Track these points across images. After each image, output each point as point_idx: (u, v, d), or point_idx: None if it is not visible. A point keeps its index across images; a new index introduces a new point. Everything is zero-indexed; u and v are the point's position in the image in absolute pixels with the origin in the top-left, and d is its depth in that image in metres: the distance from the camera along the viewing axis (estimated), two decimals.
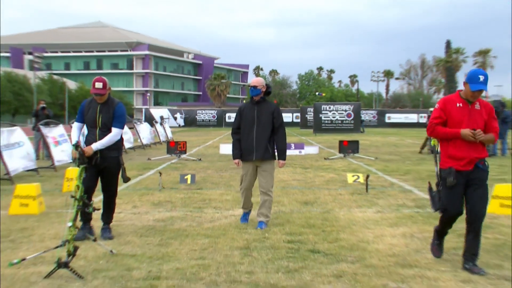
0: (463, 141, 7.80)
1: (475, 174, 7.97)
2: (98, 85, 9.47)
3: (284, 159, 10.88)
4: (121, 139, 10.19)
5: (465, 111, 7.87)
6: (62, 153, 21.54)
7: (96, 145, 9.36)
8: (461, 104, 7.89)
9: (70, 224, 7.85)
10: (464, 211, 8.00)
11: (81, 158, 8.68)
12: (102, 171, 9.81)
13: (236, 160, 10.80)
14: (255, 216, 10.83)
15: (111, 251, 8.67)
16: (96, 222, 10.10)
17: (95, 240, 8.84)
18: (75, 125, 9.87)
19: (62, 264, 7.41)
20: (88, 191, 9.24)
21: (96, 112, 9.66)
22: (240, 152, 10.70)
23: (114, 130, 9.70)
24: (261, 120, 10.47)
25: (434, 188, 8.33)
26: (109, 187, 10.11)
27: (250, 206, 11.29)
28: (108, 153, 9.67)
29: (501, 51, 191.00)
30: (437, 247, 8.50)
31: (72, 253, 7.76)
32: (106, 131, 9.62)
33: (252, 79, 11.04)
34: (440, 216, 8.37)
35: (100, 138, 9.52)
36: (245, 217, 11.19)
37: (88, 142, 9.60)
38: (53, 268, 7.42)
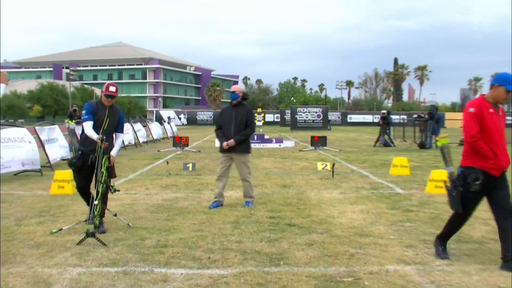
0: (498, 148, 6.52)
1: (500, 179, 6.64)
2: (112, 88, 8.58)
3: (236, 140, 10.20)
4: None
5: (495, 118, 6.55)
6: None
7: (114, 152, 8.66)
8: (491, 110, 6.53)
9: (96, 202, 7.81)
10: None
11: (106, 150, 8.19)
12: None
13: (224, 143, 10.40)
14: (241, 198, 10.79)
15: (128, 224, 8.63)
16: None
17: (115, 215, 8.78)
18: (89, 123, 8.38)
19: (90, 234, 7.39)
20: (83, 189, 8.61)
21: (105, 114, 8.58)
22: (225, 140, 10.40)
23: (120, 135, 9.05)
24: (238, 120, 10.30)
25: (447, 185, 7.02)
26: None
27: (220, 196, 10.56)
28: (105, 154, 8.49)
29: (435, 67, 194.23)
30: (443, 251, 7.02)
31: (97, 226, 7.84)
32: (108, 133, 8.55)
33: (232, 86, 10.96)
34: (453, 218, 7.10)
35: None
36: (214, 204, 10.43)
37: (87, 140, 8.42)
38: (83, 237, 7.44)
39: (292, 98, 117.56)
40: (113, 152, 8.59)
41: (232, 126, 10.32)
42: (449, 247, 7.39)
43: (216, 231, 8.35)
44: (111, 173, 8.41)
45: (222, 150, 10.51)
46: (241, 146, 10.37)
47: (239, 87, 10.72)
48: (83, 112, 8.49)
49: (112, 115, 8.67)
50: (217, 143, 29.51)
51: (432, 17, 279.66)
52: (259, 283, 5.81)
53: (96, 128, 8.40)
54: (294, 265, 6.55)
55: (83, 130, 8.50)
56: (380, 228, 8.62)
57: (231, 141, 10.20)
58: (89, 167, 8.39)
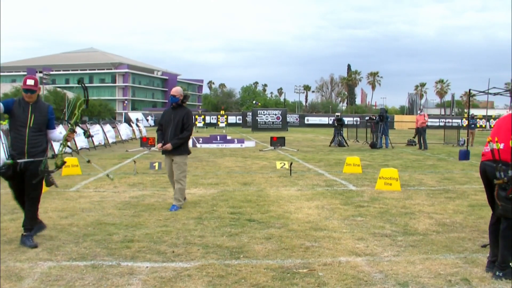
0: None
1: None
2: (30, 81, 7.16)
3: (172, 144, 9.81)
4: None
5: None
6: (58, 145, 21.10)
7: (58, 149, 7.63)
8: None
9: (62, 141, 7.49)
10: None
11: (38, 155, 7.17)
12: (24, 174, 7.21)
13: (159, 145, 10.11)
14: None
15: (88, 160, 8.35)
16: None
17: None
18: None
19: (47, 171, 7.21)
20: (22, 196, 7.36)
21: (28, 111, 7.15)
22: (162, 141, 10.04)
23: (54, 131, 7.64)
24: (175, 122, 9.94)
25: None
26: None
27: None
28: (36, 156, 7.23)
29: (385, 73, 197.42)
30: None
31: (59, 166, 7.48)
32: (37, 131, 7.21)
33: (172, 89, 10.33)
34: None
35: (31, 138, 7.14)
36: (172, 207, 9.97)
37: (17, 140, 7.08)
38: (40, 174, 7.15)
39: (254, 102, 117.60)
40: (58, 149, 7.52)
41: (170, 128, 9.97)
42: (396, 239, 7.50)
43: (180, 226, 8.31)
44: (48, 180, 7.39)
45: (163, 151, 10.21)
46: (179, 149, 9.98)
47: (179, 90, 10.29)
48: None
49: (37, 111, 7.26)
50: None
51: (383, 27, 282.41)
52: (220, 275, 5.80)
53: (22, 127, 7.09)
54: (253, 258, 6.55)
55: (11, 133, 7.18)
56: (334, 222, 8.68)
57: (168, 146, 9.86)
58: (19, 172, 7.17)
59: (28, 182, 7.20)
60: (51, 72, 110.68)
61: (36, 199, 7.43)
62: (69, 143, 7.66)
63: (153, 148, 25.36)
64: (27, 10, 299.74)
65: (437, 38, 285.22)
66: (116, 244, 7.17)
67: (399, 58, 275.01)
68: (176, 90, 10.17)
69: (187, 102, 10.29)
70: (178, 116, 9.99)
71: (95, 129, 28.19)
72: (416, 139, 29.65)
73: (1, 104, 6.99)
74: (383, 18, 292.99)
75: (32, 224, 7.33)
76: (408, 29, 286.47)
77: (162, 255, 6.67)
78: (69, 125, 7.52)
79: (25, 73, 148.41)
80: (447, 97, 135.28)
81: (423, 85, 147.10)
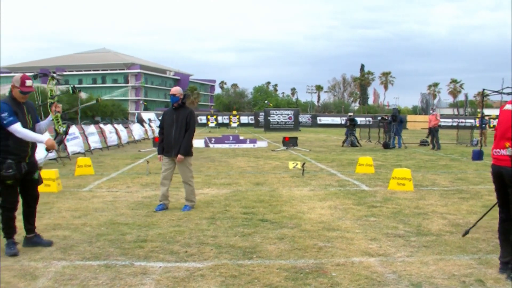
0: None
1: None
2: (29, 82, 6.89)
3: (182, 154, 9.67)
4: None
5: None
6: (74, 146, 21.22)
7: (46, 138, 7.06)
8: None
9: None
10: None
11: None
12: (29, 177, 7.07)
13: (159, 156, 10.06)
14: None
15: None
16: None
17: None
18: (19, 125, 6.69)
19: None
20: (16, 203, 6.98)
21: (25, 113, 6.92)
22: (162, 149, 9.94)
23: (41, 123, 7.36)
24: (179, 122, 9.71)
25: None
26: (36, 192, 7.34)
27: (164, 199, 9.91)
28: (34, 154, 7.28)
29: (398, 73, 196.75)
30: None
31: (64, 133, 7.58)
32: (32, 129, 6.98)
33: (172, 88, 10.09)
34: None
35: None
36: (159, 207, 9.81)
37: (21, 143, 6.80)
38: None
39: (266, 101, 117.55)
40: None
41: (173, 129, 9.76)
42: (410, 240, 7.47)
43: (193, 226, 8.32)
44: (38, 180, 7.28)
45: (162, 152, 9.98)
46: (183, 150, 9.75)
47: (179, 89, 10.08)
48: (4, 114, 6.62)
49: (31, 111, 7.10)
50: (195, 144, 29.49)
51: (395, 27, 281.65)
52: (233, 275, 5.80)
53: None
54: (266, 258, 6.55)
55: (6, 137, 6.70)
56: (347, 222, 8.66)
57: (180, 158, 9.66)
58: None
59: (31, 184, 7.13)
60: (64, 73, 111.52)
61: (38, 197, 7.33)
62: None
63: None
64: (39, 11, 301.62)
65: (450, 38, 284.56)
66: (129, 244, 7.19)
67: (411, 58, 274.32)
68: (176, 89, 10.01)
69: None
70: (181, 116, 9.80)
71: (109, 129, 28.34)
72: (429, 139, 29.52)
73: (17, 119, 6.70)
74: (395, 17, 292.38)
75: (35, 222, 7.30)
76: (420, 29, 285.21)
77: (175, 255, 6.68)
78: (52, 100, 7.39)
79: (38, 73, 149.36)
80: (461, 97, 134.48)
81: (436, 85, 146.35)
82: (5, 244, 6.84)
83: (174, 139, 9.72)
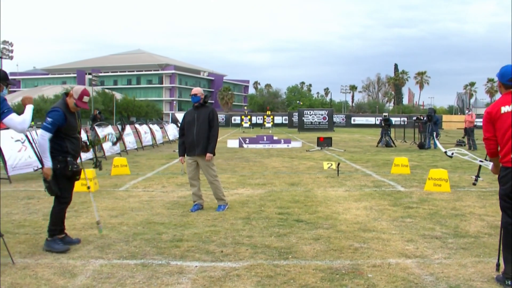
0: None
1: None
2: (86, 99, 7.12)
3: (210, 152, 9.61)
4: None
5: None
6: (112, 147, 21.48)
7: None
8: None
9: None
10: None
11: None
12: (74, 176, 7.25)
13: (180, 158, 10.08)
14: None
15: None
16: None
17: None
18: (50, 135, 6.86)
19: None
20: (70, 198, 7.32)
21: (75, 118, 7.14)
22: (183, 151, 9.88)
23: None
24: (200, 122, 9.55)
25: None
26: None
27: (198, 198, 9.95)
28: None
29: (433, 72, 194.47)
30: None
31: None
32: (79, 133, 7.40)
33: (193, 89, 9.95)
34: None
35: (80, 142, 7.36)
36: (195, 207, 9.84)
37: (75, 146, 7.14)
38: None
39: (298, 102, 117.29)
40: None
41: (194, 128, 9.61)
42: (447, 241, 7.38)
43: (228, 226, 8.35)
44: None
45: (183, 154, 9.95)
46: (205, 148, 9.62)
47: (200, 89, 9.93)
48: (50, 120, 6.86)
49: (79, 116, 7.42)
50: (229, 144, 29.64)
51: (431, 26, 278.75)
52: (269, 276, 5.80)
53: (74, 133, 7.15)
54: (302, 258, 6.54)
55: (63, 139, 6.99)
56: (383, 223, 8.60)
57: (209, 156, 9.58)
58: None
59: (72, 184, 7.33)
60: (100, 74, 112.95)
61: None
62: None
63: None
64: (76, 14, 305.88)
65: (487, 36, 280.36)
66: (165, 243, 7.24)
67: (447, 57, 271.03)
68: (197, 90, 9.89)
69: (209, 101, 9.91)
70: (202, 115, 9.66)
71: (144, 130, 28.62)
72: (465, 139, 29.13)
73: (60, 120, 6.91)
74: (430, 16, 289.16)
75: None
76: (456, 27, 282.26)
77: (211, 254, 6.71)
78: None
79: (74, 75, 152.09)
80: (498, 96, 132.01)
81: (472, 84, 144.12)
82: (50, 241, 6.98)
83: (197, 138, 9.58)
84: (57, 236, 7.07)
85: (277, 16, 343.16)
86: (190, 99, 9.93)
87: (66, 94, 7.22)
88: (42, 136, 6.81)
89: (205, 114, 9.66)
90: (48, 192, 7.00)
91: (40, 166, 12.20)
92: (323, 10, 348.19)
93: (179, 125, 41.93)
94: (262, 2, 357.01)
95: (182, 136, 9.94)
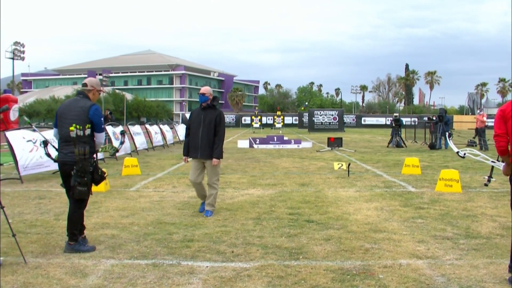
0: None
1: None
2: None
3: (217, 157, 9.25)
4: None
5: None
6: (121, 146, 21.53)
7: None
8: None
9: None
10: None
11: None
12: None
13: (184, 157, 9.69)
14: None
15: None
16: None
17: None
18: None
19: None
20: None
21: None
22: (187, 151, 9.52)
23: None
24: (206, 124, 9.21)
25: None
26: None
27: (204, 196, 9.65)
28: None
29: (444, 72, 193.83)
30: None
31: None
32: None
33: (202, 88, 9.65)
34: None
35: None
36: (202, 206, 9.68)
37: (95, 145, 7.19)
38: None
39: (305, 103, 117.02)
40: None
41: (200, 129, 9.29)
42: (458, 242, 7.35)
43: (239, 226, 8.36)
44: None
45: (187, 154, 9.60)
46: (210, 152, 9.28)
47: (209, 89, 9.65)
48: (102, 119, 7.26)
49: None
50: (240, 144, 29.64)
51: (443, 25, 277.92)
52: (280, 276, 5.80)
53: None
54: (313, 259, 6.53)
55: (93, 140, 7.13)
56: (393, 224, 8.57)
57: (216, 161, 9.24)
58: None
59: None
60: (110, 75, 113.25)
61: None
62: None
63: None
64: (87, 14, 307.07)
65: (499, 36, 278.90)
66: (176, 244, 7.26)
67: (458, 57, 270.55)
68: (206, 89, 9.59)
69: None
70: (209, 117, 9.31)
71: (155, 130, 28.69)
72: (476, 140, 29.00)
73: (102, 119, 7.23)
74: (442, 15, 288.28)
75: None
76: (468, 27, 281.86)
77: (222, 255, 6.72)
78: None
79: (85, 75, 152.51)
80: (509, 97, 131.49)
81: (484, 84, 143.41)
82: (75, 245, 6.95)
83: (201, 141, 9.27)
84: (80, 236, 7.07)
85: (288, 16, 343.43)
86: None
87: (81, 93, 7.22)
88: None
89: (212, 117, 9.32)
90: (80, 196, 6.92)
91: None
92: (333, 10, 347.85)
93: None
94: (272, 2, 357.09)
95: (188, 136, 9.63)
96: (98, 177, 7.11)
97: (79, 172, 6.80)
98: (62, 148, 7.00)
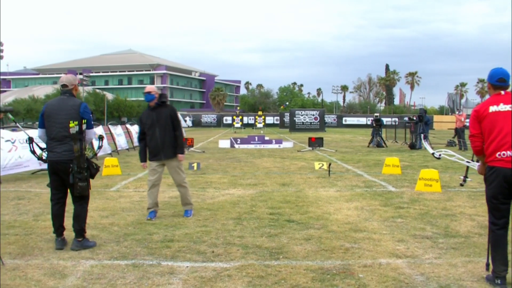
0: None
1: None
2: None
3: (181, 153, 9.11)
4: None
5: None
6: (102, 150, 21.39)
7: None
8: None
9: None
10: None
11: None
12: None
13: (142, 163, 9.37)
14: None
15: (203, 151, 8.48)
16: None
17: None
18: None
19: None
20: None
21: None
22: (145, 156, 9.24)
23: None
24: (161, 123, 8.90)
25: None
26: None
27: (155, 205, 9.18)
28: None
29: (424, 73, 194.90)
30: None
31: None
32: None
33: (146, 87, 9.17)
34: None
35: None
36: (151, 214, 9.04)
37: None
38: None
39: (285, 104, 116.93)
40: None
41: (156, 130, 8.94)
42: (438, 241, 7.40)
43: (219, 226, 8.34)
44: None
45: (145, 159, 9.32)
46: (173, 151, 9.08)
47: (153, 87, 9.23)
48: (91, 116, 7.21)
49: None
50: (221, 144, 29.61)
51: (424, 26, 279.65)
52: (260, 276, 5.80)
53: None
54: (293, 258, 6.54)
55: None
56: (374, 224, 8.61)
57: (182, 157, 9.12)
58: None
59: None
60: (91, 74, 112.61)
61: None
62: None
63: (191, 149, 25.53)
64: (67, 14, 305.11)
65: (479, 37, 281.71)
66: (156, 244, 7.24)
67: (439, 57, 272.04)
68: (151, 87, 9.20)
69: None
70: (163, 115, 8.98)
71: (134, 130, 28.54)
72: (455, 140, 29.23)
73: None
74: (423, 16, 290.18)
75: None
76: (449, 28, 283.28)
77: (202, 255, 6.71)
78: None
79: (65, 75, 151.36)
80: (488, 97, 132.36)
81: (463, 84, 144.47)
82: (83, 241, 7.10)
83: (162, 142, 8.98)
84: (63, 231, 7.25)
85: (270, 16, 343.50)
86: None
87: (66, 92, 7.18)
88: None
89: (166, 114, 9.04)
90: (81, 192, 7.03)
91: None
92: (316, 10, 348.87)
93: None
94: (255, 2, 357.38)
95: (143, 140, 9.28)
96: (94, 170, 7.20)
97: (78, 169, 6.87)
98: (55, 147, 6.96)
